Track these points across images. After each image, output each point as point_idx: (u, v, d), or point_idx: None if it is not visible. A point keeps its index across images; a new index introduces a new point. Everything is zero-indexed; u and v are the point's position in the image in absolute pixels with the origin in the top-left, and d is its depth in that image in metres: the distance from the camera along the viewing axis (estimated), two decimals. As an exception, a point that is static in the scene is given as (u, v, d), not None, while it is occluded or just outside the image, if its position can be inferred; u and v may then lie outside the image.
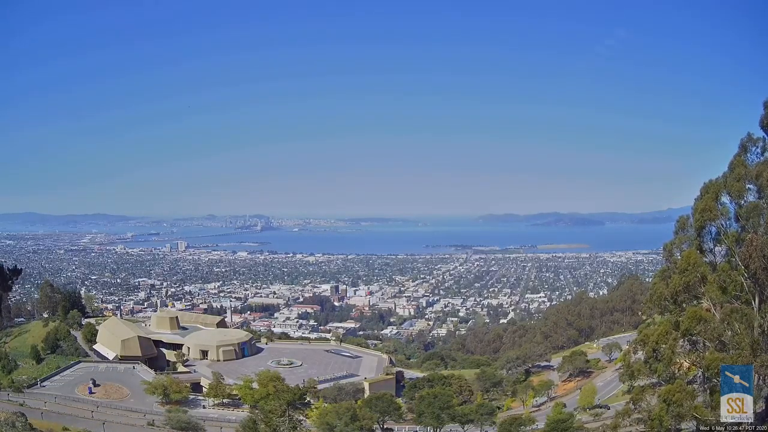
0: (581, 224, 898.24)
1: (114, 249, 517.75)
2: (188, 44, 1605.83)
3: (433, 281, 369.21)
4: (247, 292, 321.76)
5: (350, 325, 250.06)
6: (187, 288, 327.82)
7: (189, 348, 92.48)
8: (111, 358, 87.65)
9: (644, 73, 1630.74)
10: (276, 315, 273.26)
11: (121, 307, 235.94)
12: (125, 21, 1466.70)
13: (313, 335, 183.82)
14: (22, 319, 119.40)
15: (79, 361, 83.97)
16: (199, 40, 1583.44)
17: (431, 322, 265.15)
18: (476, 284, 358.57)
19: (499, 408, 73.64)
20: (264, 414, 54.36)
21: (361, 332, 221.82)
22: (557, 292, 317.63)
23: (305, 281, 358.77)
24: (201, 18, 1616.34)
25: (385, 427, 60.68)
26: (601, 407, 68.78)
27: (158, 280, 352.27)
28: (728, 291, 40.48)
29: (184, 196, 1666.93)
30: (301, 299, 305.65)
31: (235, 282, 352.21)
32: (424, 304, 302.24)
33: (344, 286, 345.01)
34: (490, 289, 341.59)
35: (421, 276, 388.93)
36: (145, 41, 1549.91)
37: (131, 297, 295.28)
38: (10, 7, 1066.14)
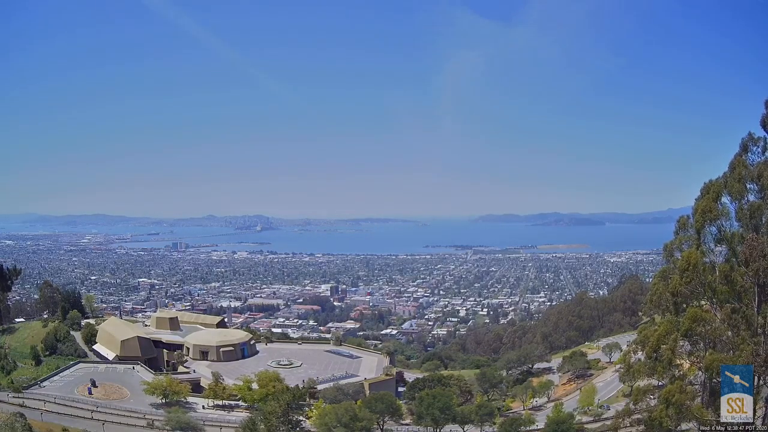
0: (581, 224, 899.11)
1: (114, 249, 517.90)
2: (187, 42, 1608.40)
3: (433, 281, 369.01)
4: (247, 292, 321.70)
5: (350, 325, 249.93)
6: (187, 288, 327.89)
7: (189, 348, 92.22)
8: (110, 358, 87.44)
9: (643, 75, 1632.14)
10: (276, 315, 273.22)
11: (121, 308, 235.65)
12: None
13: (313, 335, 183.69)
14: (22, 319, 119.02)
15: (79, 362, 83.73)
16: (198, 37, 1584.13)
17: (431, 323, 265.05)
18: (476, 284, 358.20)
19: (499, 409, 73.41)
20: (263, 415, 54.16)
21: (361, 332, 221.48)
22: (557, 293, 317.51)
23: (305, 281, 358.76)
24: (200, 15, 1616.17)
25: (384, 428, 60.48)
26: (601, 408, 68.64)
27: (158, 280, 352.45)
28: (728, 291, 40.33)
29: (184, 196, 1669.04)
30: (301, 299, 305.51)
31: (235, 282, 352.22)
32: (424, 305, 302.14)
33: (344, 286, 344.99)
34: (490, 290, 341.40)
35: (421, 276, 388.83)
36: (144, 38, 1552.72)
37: (131, 297, 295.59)
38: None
